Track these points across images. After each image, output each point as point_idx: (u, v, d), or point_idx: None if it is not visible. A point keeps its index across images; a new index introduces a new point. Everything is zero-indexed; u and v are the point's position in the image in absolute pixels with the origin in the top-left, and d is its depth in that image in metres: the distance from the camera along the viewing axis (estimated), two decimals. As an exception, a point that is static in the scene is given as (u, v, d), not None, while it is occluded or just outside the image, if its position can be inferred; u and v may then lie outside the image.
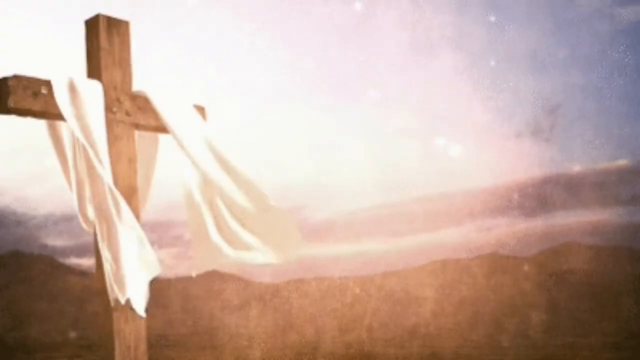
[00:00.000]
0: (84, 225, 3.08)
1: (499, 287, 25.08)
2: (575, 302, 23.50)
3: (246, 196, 3.26)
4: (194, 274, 3.47)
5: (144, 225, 3.17)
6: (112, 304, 2.91)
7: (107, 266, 2.88)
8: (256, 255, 3.41)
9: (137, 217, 3.10)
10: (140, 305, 2.92)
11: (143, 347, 3.06)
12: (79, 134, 2.85)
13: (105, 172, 2.88)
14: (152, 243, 2.99)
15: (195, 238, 3.40)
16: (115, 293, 2.89)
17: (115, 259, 2.87)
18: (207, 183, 3.30)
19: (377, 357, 20.18)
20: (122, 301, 2.88)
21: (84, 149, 2.87)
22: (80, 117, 2.88)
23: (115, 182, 3.00)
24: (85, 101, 2.91)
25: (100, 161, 2.86)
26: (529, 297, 24.05)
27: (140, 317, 2.98)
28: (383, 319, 24.24)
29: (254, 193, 3.27)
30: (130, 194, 3.07)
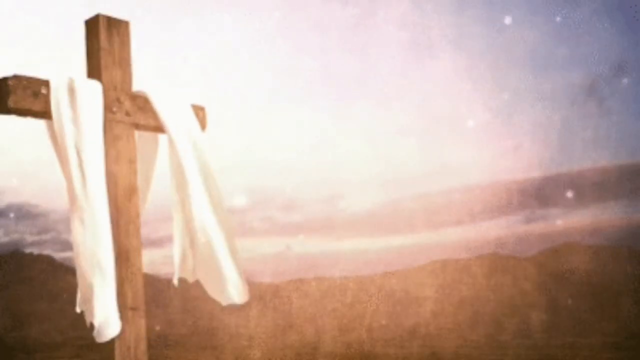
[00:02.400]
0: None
1: (499, 287, 25.08)
2: (575, 302, 23.49)
3: (215, 224, 3.22)
4: (175, 283, 3.44)
5: (144, 224, 3.17)
6: (78, 310, 2.92)
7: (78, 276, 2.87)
8: (207, 288, 3.33)
9: (138, 216, 3.10)
10: (103, 332, 2.86)
11: (143, 347, 3.06)
12: (64, 137, 2.84)
13: (96, 175, 2.88)
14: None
15: (177, 245, 3.36)
16: (80, 307, 2.88)
17: (80, 270, 2.85)
18: (188, 193, 3.25)
19: (377, 357, 20.18)
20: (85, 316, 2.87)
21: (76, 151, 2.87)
22: (75, 120, 2.88)
23: (115, 183, 3.00)
24: (83, 102, 2.91)
25: (85, 163, 2.86)
26: (529, 297, 24.05)
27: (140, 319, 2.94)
28: (383, 318, 24.24)
29: (224, 222, 3.23)
30: (130, 194, 3.07)
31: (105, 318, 2.84)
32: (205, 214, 3.21)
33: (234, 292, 3.27)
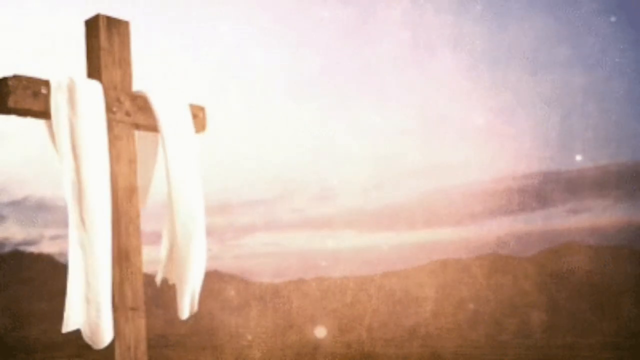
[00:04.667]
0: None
1: (499, 287, 25.08)
2: (575, 302, 23.49)
3: (190, 230, 3.19)
4: (158, 282, 3.42)
5: (144, 224, 3.17)
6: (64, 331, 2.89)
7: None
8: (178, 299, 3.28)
9: (138, 216, 3.10)
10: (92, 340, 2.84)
11: (143, 347, 3.06)
12: (62, 138, 2.83)
13: (101, 175, 2.87)
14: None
15: (164, 246, 3.34)
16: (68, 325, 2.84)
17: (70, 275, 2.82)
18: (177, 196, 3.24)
19: (377, 357, 20.18)
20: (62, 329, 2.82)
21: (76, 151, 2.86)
22: (75, 120, 2.87)
23: (116, 183, 3.00)
24: (84, 102, 2.91)
25: (88, 164, 2.85)
26: (529, 297, 24.05)
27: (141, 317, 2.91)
28: (383, 319, 24.24)
29: (199, 229, 3.21)
30: (130, 194, 3.07)
31: (99, 324, 2.82)
32: (183, 219, 3.19)
33: (187, 305, 3.25)
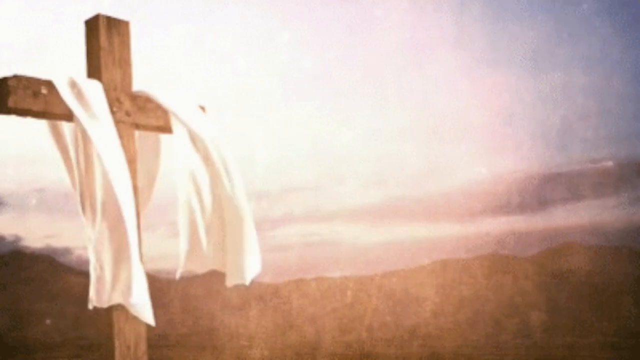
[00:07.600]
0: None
1: (499, 287, 25.08)
2: (575, 302, 23.49)
3: (235, 209, 3.24)
4: (177, 276, 3.43)
5: (144, 225, 3.17)
6: (90, 306, 2.90)
7: (91, 271, 2.86)
8: (228, 276, 3.35)
9: (139, 216, 3.10)
10: (146, 315, 2.89)
11: (143, 347, 3.06)
12: (91, 130, 2.84)
13: (119, 170, 2.88)
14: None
15: (185, 238, 3.35)
16: (94, 300, 2.86)
17: (100, 264, 2.85)
18: (206, 183, 3.27)
19: (377, 357, 20.18)
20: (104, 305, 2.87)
21: (88, 146, 2.87)
22: (87, 115, 2.89)
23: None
24: (89, 99, 2.92)
25: (105, 159, 2.87)
26: (529, 297, 24.05)
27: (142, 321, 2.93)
28: (383, 319, 24.24)
29: (241, 208, 3.25)
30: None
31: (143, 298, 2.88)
32: (234, 201, 3.22)
33: (255, 264, 3.30)
